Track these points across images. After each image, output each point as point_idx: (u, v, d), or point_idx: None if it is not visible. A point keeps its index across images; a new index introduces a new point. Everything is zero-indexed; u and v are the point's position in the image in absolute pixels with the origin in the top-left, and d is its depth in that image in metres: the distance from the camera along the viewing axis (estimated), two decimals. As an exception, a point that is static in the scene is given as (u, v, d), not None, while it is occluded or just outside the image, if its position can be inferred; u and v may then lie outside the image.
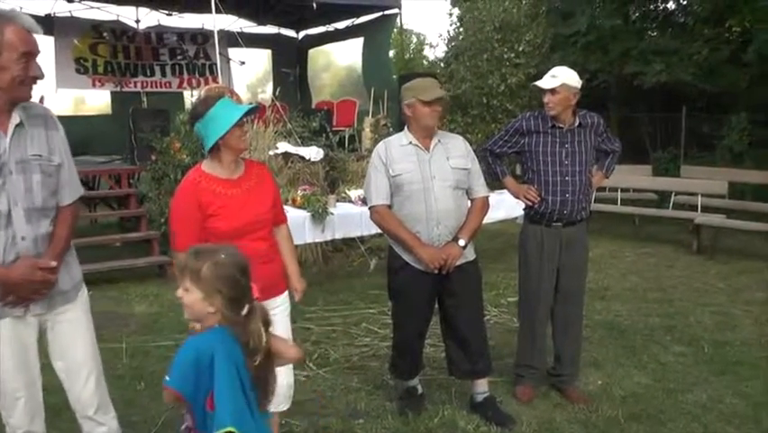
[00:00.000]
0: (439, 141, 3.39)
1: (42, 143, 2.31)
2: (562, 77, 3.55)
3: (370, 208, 3.46)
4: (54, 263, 2.31)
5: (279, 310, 2.80)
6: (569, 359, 3.85)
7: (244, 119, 2.59)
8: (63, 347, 2.47)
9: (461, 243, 3.33)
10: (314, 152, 7.10)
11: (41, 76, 2.24)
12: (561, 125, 3.61)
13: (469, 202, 3.48)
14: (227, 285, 1.83)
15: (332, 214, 5.92)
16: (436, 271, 3.29)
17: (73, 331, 2.47)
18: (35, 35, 2.21)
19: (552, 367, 3.93)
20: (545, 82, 3.58)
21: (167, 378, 1.80)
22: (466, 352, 3.50)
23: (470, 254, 3.46)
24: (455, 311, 3.46)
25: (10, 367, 2.34)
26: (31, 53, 2.18)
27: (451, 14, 13.56)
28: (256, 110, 2.87)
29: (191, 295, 1.84)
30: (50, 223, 2.35)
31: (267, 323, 1.93)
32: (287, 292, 2.92)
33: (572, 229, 3.67)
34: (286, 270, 2.92)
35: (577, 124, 3.64)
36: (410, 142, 3.36)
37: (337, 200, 6.26)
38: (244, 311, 1.86)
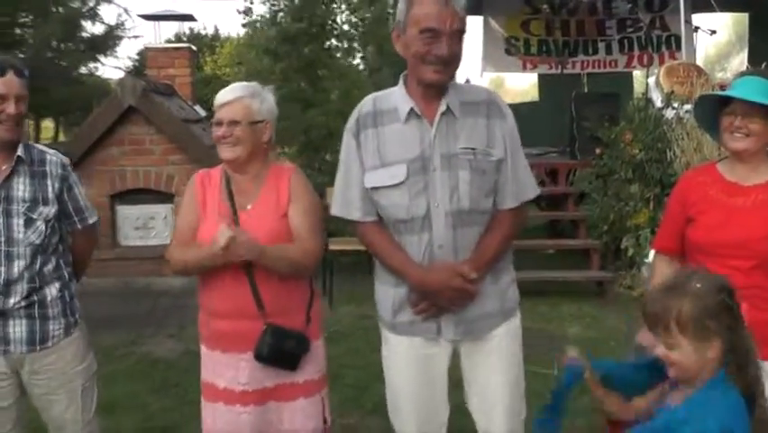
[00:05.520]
0: None
1: (479, 134, 2.11)
2: None
3: None
4: (475, 274, 2.05)
5: None
6: None
7: None
8: (477, 381, 2.23)
9: None
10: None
11: (445, 55, 2.02)
12: None
13: None
14: (719, 317, 1.46)
15: None
16: None
17: (490, 365, 2.20)
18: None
19: None
20: None
21: None
22: None
23: None
24: None
25: (405, 392, 2.20)
26: (433, 30, 2.01)
27: None
28: None
29: (680, 351, 1.48)
30: (480, 230, 2.13)
31: None
32: None
33: None
34: None
35: None
36: None
37: None
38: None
